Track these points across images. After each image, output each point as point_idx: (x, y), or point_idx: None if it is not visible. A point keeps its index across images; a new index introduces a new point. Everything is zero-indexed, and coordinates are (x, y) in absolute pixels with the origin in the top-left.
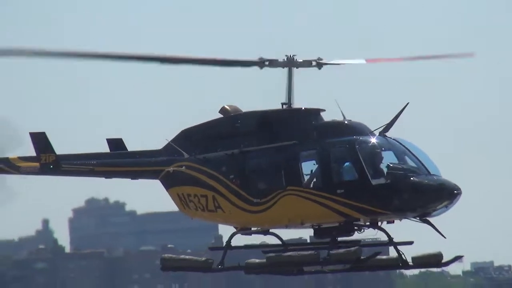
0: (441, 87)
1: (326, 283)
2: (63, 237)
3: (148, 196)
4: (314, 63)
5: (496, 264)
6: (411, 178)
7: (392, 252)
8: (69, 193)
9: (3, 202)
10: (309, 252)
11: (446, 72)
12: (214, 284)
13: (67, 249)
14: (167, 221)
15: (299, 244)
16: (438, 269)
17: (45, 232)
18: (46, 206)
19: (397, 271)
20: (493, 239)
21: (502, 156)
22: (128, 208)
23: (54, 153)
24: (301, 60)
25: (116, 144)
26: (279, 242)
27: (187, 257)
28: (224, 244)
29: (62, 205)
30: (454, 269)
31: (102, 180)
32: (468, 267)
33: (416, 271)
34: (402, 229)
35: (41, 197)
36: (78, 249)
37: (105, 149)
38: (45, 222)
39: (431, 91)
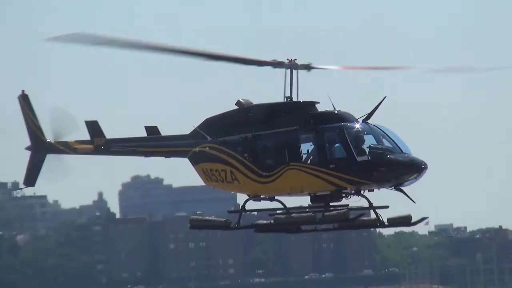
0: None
1: (322, 242)
2: (114, 206)
3: (181, 173)
4: (306, 67)
5: (455, 226)
6: (388, 156)
7: (372, 215)
8: (118, 171)
9: (64, 176)
10: (308, 214)
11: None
12: (234, 243)
13: (118, 216)
14: (196, 193)
15: (298, 208)
16: (408, 228)
17: (100, 202)
18: (101, 182)
19: (377, 232)
20: (452, 205)
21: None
22: (165, 182)
23: (105, 137)
24: (300, 64)
25: (152, 130)
26: (282, 207)
27: (210, 217)
28: (240, 208)
29: (113, 181)
30: (421, 230)
31: (144, 160)
32: (432, 229)
33: (391, 232)
34: (380, 196)
35: (96, 174)
36: (126, 215)
37: (143, 134)
38: (100, 194)
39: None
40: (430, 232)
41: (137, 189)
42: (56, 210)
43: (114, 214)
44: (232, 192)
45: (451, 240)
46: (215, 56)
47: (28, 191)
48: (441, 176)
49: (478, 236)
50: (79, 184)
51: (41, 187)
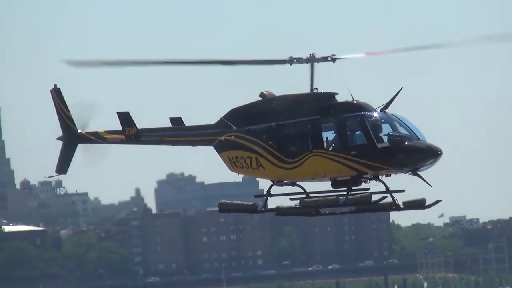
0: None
1: (344, 234)
2: (151, 202)
3: (213, 171)
4: (329, 58)
5: (468, 217)
6: (406, 143)
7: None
8: (154, 169)
9: (95, 163)
10: (331, 197)
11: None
12: (262, 236)
13: (154, 211)
14: (227, 188)
15: (317, 192)
16: (425, 219)
17: (138, 198)
18: (138, 179)
19: (395, 224)
20: (466, 198)
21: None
22: (198, 179)
23: (136, 127)
24: (319, 57)
25: (176, 121)
26: (302, 191)
27: (238, 202)
28: (265, 193)
29: (149, 178)
30: (437, 222)
31: (179, 158)
32: (447, 220)
33: (408, 224)
34: (395, 181)
35: (134, 172)
36: (161, 210)
37: (168, 124)
38: (137, 191)
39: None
40: (445, 224)
41: (172, 186)
42: (96, 206)
43: (150, 210)
44: (257, 179)
45: (465, 231)
46: (234, 62)
47: (71, 189)
48: (455, 172)
49: (489, 227)
50: (118, 182)
51: (83, 185)
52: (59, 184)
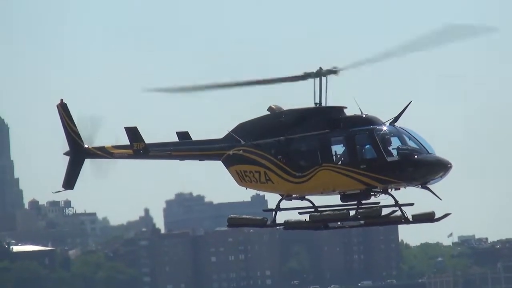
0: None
1: (353, 253)
2: (159, 222)
3: (222, 190)
4: (333, 70)
5: (477, 237)
6: (415, 156)
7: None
8: (163, 189)
9: (101, 177)
10: (341, 211)
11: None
12: (270, 255)
13: (163, 231)
14: (235, 207)
15: (326, 206)
16: (433, 239)
17: (146, 218)
18: (147, 199)
19: (404, 243)
20: (474, 218)
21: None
22: (207, 199)
23: (144, 141)
24: (325, 70)
25: (183, 135)
26: (310, 205)
27: (247, 216)
28: (275, 207)
29: (158, 198)
30: (446, 241)
31: (187, 178)
32: (456, 240)
33: (417, 243)
34: (403, 195)
35: (143, 192)
36: (170, 230)
37: (175, 139)
38: (146, 211)
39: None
40: (453, 243)
41: (181, 206)
42: (105, 226)
43: (159, 230)
44: (266, 197)
45: (474, 250)
46: (251, 82)
47: (79, 209)
48: (463, 191)
49: (498, 246)
50: (127, 202)
51: (91, 205)
52: (67, 204)
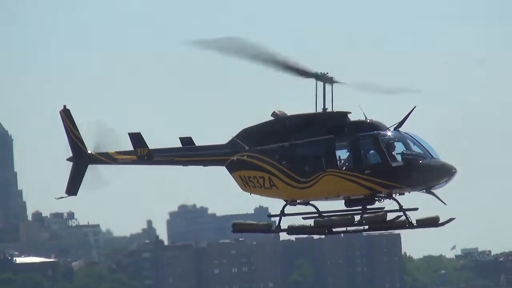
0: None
1: (356, 265)
2: (163, 234)
3: (225, 202)
4: (335, 79)
5: (480, 249)
6: (420, 161)
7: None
8: (166, 201)
9: (100, 187)
10: (346, 216)
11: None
12: (274, 268)
13: (166, 242)
14: (238, 219)
15: (331, 211)
16: (437, 251)
17: (149, 230)
18: (150, 211)
19: (407, 256)
20: (477, 231)
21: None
22: (210, 211)
23: (148, 147)
24: (331, 76)
25: (186, 141)
26: (315, 210)
27: (252, 222)
28: (279, 212)
29: (161, 210)
30: (449, 254)
31: (191, 190)
32: (459, 252)
33: (420, 256)
34: (407, 199)
35: (146, 204)
36: (173, 242)
37: (178, 145)
38: (149, 223)
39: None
40: (456, 256)
41: (184, 218)
42: (108, 238)
43: (162, 241)
44: (269, 204)
45: (477, 263)
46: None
47: (82, 221)
48: (466, 203)
49: (502, 259)
50: (130, 214)
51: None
52: (71, 215)
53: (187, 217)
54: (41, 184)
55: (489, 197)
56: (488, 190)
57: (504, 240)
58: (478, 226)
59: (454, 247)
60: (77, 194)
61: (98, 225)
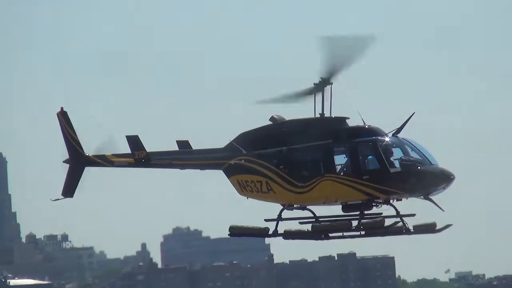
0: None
1: None
2: (156, 256)
3: (219, 225)
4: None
5: (474, 273)
6: (419, 167)
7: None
8: (160, 224)
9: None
10: (344, 222)
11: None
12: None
13: (160, 265)
14: (232, 243)
15: (328, 216)
16: (430, 275)
17: (143, 252)
18: (144, 233)
19: (401, 279)
20: (472, 254)
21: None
22: (204, 234)
23: (145, 150)
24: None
25: (183, 144)
26: (311, 215)
27: (249, 225)
28: (277, 216)
29: (155, 233)
30: (443, 277)
31: (185, 212)
32: (453, 276)
33: (414, 279)
34: (405, 205)
35: (140, 226)
36: (167, 264)
37: (175, 148)
38: (143, 245)
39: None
40: (450, 279)
41: (178, 240)
42: (102, 260)
43: (156, 264)
44: (267, 202)
45: (471, 287)
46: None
47: (76, 243)
48: (461, 227)
49: (495, 282)
50: (124, 236)
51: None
52: (65, 238)
53: (181, 240)
54: (35, 207)
55: (483, 220)
56: (483, 213)
57: (498, 264)
58: (472, 249)
59: (448, 271)
60: (73, 196)
61: (92, 247)
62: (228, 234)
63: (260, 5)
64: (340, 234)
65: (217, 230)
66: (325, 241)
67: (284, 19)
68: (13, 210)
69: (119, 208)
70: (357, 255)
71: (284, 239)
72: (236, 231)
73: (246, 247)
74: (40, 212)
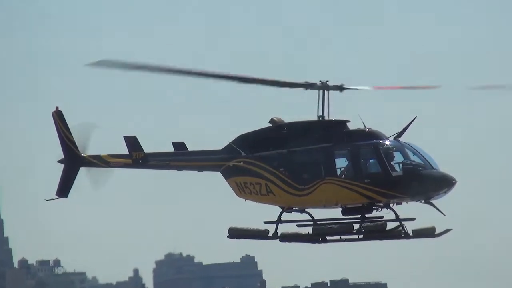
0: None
1: None
2: (149, 282)
3: (212, 251)
4: (338, 87)
5: None
6: (420, 171)
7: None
8: (152, 249)
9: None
10: (345, 225)
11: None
12: None
13: None
14: (225, 269)
15: (326, 220)
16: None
17: (135, 278)
18: (136, 259)
19: None
20: (462, 278)
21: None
22: (196, 260)
23: (143, 151)
24: (332, 85)
25: (179, 145)
26: (310, 218)
27: (249, 227)
28: (276, 219)
29: (148, 258)
30: None
31: (177, 238)
32: None
33: None
34: (404, 209)
35: (132, 252)
36: None
37: (171, 149)
38: (135, 271)
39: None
40: None
41: (170, 266)
42: (94, 286)
43: None
44: (266, 204)
45: None
46: (247, 79)
47: (69, 268)
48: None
49: None
50: (116, 261)
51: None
52: (57, 263)
53: (174, 266)
54: (28, 232)
55: (478, 239)
56: (478, 231)
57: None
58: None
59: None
60: (68, 196)
61: (84, 273)
62: (227, 236)
63: (255, 5)
64: (338, 237)
65: (209, 256)
66: (317, 265)
67: (282, 19)
68: (5, 235)
69: (112, 233)
70: (349, 282)
71: (281, 241)
72: (235, 233)
73: (239, 273)
74: (32, 237)
